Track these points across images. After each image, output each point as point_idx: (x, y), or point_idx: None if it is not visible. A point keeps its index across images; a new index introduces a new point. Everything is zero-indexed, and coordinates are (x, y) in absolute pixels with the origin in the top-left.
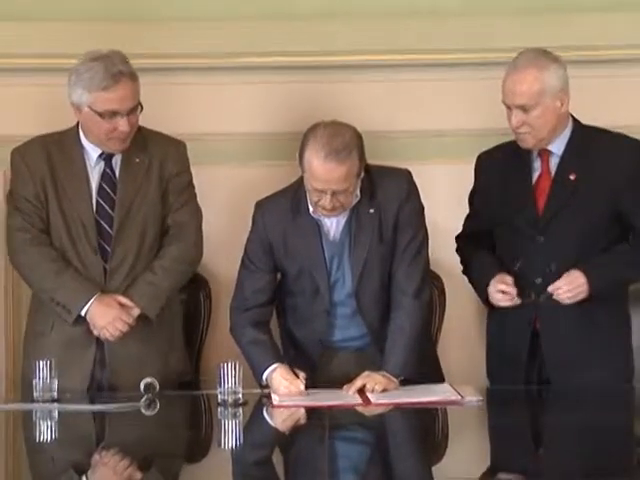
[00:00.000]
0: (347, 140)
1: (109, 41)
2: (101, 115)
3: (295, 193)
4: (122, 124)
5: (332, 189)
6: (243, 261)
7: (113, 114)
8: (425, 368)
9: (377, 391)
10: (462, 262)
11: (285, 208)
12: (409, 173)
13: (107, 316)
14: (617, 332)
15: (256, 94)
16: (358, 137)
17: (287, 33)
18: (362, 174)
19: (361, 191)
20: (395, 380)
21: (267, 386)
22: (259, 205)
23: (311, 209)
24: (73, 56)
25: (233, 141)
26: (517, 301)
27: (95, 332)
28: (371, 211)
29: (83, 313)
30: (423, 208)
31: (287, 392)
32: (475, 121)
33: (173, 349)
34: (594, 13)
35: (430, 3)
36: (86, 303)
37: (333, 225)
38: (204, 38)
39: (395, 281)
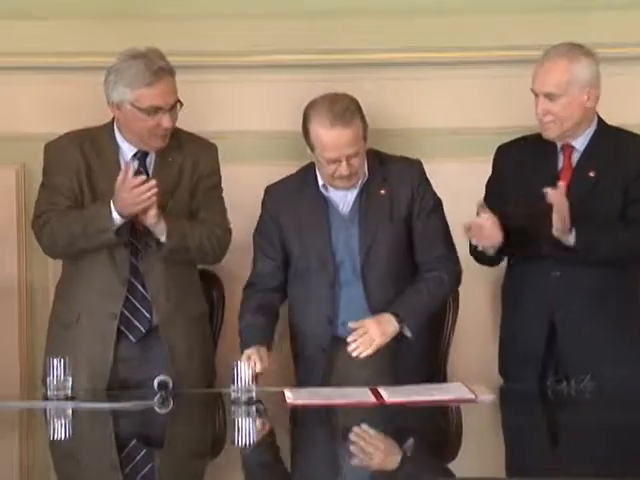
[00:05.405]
0: (347, 103)
1: (126, 39)
2: (145, 112)
3: (305, 174)
4: (165, 120)
5: (345, 154)
6: (254, 246)
7: (156, 110)
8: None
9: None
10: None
11: (293, 188)
12: (420, 163)
13: (129, 199)
14: (637, 329)
15: (273, 92)
16: (355, 101)
17: (306, 31)
18: (367, 138)
19: (373, 172)
20: (391, 330)
21: None
22: (268, 189)
23: (321, 183)
24: (90, 54)
25: (251, 139)
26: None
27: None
28: (382, 192)
29: (115, 217)
30: (438, 197)
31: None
32: (490, 119)
33: (200, 349)
34: (605, 11)
35: (445, 1)
36: (110, 209)
37: (341, 201)
38: (220, 36)
39: (421, 264)
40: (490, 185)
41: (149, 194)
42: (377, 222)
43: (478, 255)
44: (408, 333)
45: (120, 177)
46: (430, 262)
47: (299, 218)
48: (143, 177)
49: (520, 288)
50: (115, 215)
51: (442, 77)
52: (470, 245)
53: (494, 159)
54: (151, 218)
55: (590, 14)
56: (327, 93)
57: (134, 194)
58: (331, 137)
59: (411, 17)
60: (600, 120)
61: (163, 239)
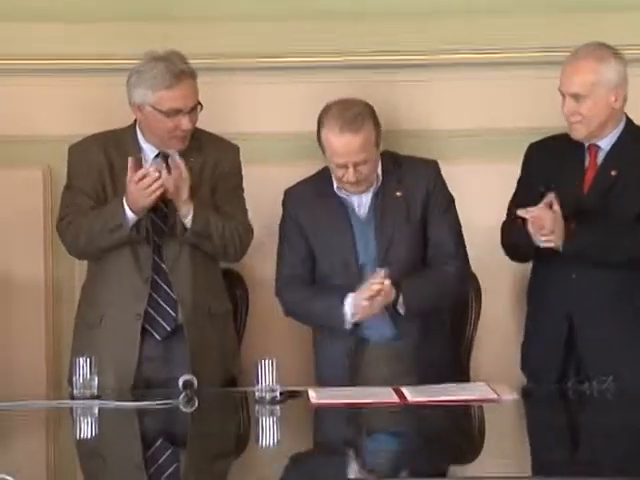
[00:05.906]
0: (359, 110)
1: (147, 41)
2: (165, 114)
3: (322, 177)
4: (185, 122)
5: (353, 161)
6: (278, 248)
7: (176, 112)
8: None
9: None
10: (509, 239)
11: (312, 190)
12: (437, 164)
13: (135, 193)
14: None
15: (293, 94)
16: (369, 107)
17: (326, 33)
18: (380, 145)
19: (388, 174)
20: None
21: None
22: (287, 192)
23: (335, 185)
24: (112, 56)
25: (271, 140)
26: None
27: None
28: (398, 194)
29: (128, 213)
30: (452, 196)
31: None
32: (511, 120)
33: (224, 348)
34: (632, 12)
35: (465, 2)
36: (123, 205)
37: (356, 205)
38: (240, 38)
39: (430, 258)
40: (520, 184)
41: (155, 187)
42: (394, 224)
43: (515, 249)
44: (401, 310)
45: (129, 173)
46: (438, 257)
47: (317, 220)
48: (146, 170)
49: (542, 289)
50: (128, 211)
51: (463, 78)
52: (510, 236)
53: (524, 157)
54: (183, 197)
55: (617, 15)
56: (341, 98)
57: (140, 187)
58: (340, 143)
59: (433, 19)
60: (629, 120)
61: (188, 222)
